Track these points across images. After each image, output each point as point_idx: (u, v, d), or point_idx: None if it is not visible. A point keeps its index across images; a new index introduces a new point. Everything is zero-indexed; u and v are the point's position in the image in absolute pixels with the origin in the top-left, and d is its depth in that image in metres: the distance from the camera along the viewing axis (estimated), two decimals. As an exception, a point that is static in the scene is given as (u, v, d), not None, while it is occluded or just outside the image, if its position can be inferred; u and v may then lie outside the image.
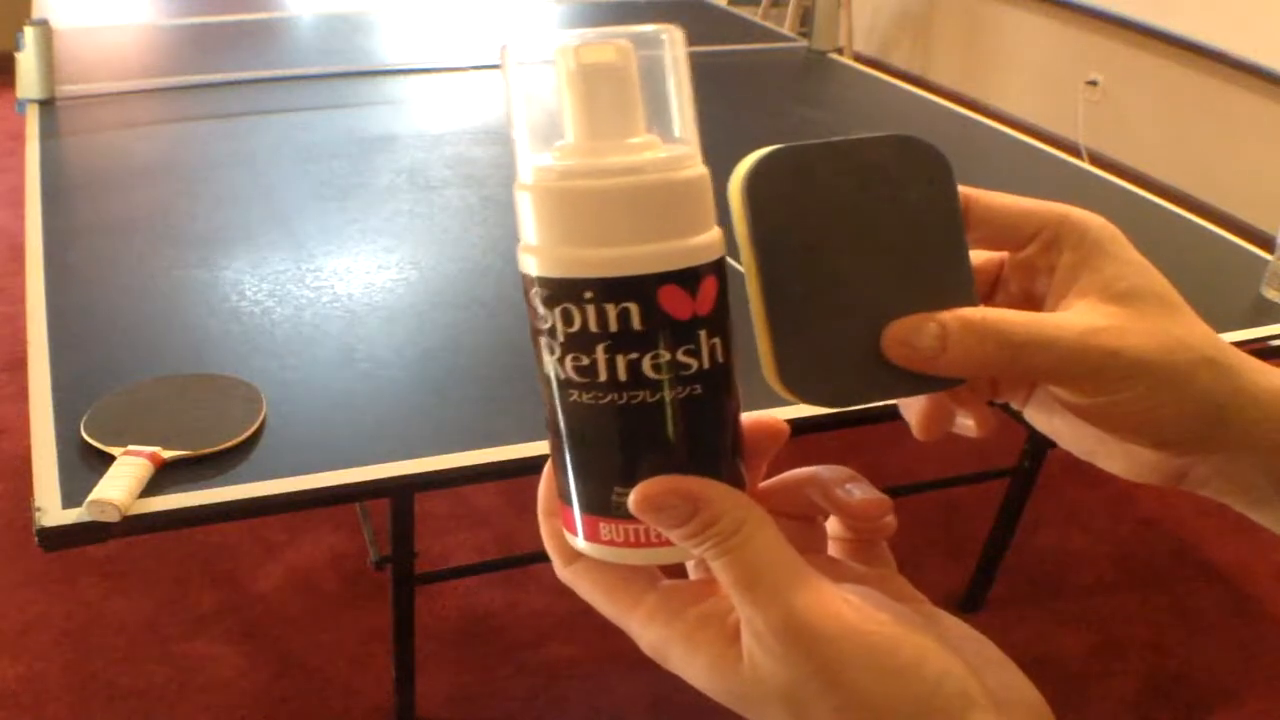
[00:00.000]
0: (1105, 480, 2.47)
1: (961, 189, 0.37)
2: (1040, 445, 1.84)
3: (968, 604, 2.06)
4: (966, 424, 0.40)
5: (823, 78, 2.56)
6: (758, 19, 3.25)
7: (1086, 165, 2.11)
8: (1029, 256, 0.38)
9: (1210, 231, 1.75)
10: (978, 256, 0.39)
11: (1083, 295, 0.36)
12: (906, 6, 5.32)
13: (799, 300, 0.35)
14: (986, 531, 1.99)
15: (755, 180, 0.35)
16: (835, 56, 2.65)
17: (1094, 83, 4.30)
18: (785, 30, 3.52)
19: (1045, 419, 0.41)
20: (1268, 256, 1.54)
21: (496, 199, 1.69)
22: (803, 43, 2.71)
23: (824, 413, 1.19)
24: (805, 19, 4.07)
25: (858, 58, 5.01)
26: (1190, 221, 1.78)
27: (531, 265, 0.33)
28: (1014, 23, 4.73)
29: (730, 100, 2.27)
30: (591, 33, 0.33)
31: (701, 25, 2.85)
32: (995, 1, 4.78)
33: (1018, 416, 0.43)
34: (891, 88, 2.52)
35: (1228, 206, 3.68)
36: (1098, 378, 0.35)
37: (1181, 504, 2.40)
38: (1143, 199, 1.88)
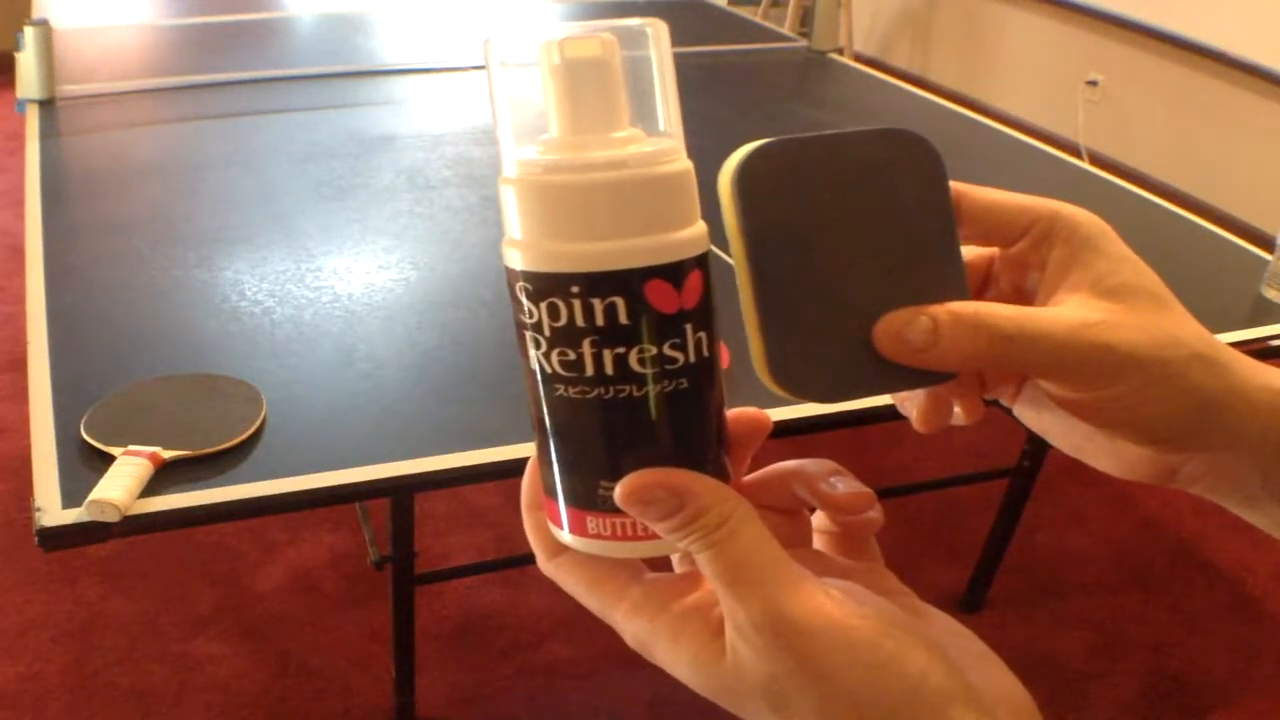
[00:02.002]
0: (1105, 480, 2.47)
1: (952, 184, 0.37)
2: (1040, 445, 1.84)
3: (968, 604, 2.06)
4: (955, 412, 0.40)
5: (823, 78, 2.56)
6: (758, 19, 3.25)
7: (1086, 165, 2.11)
8: (1020, 252, 0.38)
9: (1210, 231, 1.75)
10: (969, 252, 0.39)
11: (1074, 290, 0.36)
12: (906, 6, 5.31)
13: (790, 294, 0.35)
14: (986, 531, 1.99)
15: (745, 173, 0.35)
16: (835, 56, 2.65)
17: (1094, 83, 4.30)
18: (785, 30, 3.52)
19: (1035, 415, 0.41)
20: (1268, 256, 1.54)
21: (496, 199, 1.69)
22: (803, 43, 2.71)
23: (820, 411, 1.19)
24: (805, 19, 4.07)
25: (858, 58, 5.01)
26: (1190, 221, 1.78)
27: (516, 259, 0.33)
28: (1014, 23, 4.72)
29: (730, 100, 2.27)
30: (575, 26, 0.33)
31: (701, 25, 2.85)
32: (995, 1, 4.78)
33: (1012, 413, 0.43)
34: (891, 88, 2.52)
35: (1228, 206, 3.68)
36: (1089, 372, 0.35)
37: (1181, 504, 2.40)
38: (1143, 199, 1.88)
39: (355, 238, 1.54)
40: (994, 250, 0.39)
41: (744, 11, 3.37)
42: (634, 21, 0.33)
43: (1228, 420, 0.36)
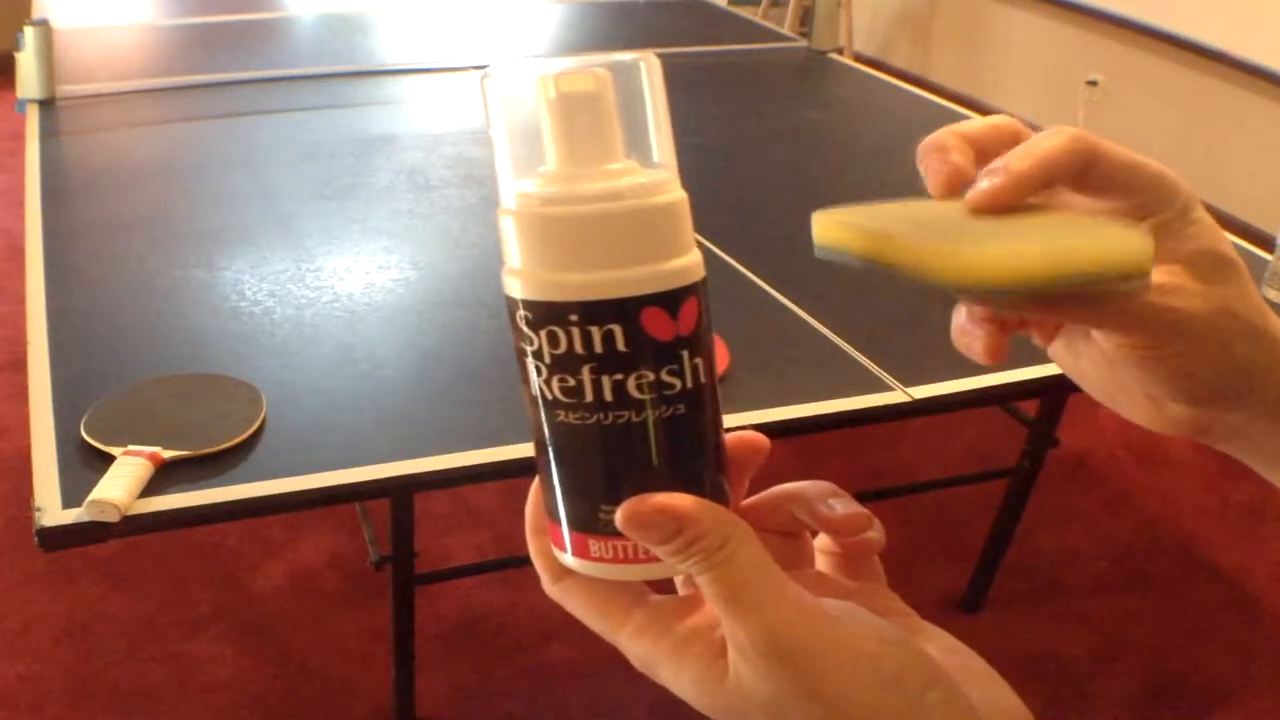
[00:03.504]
0: (1105, 480, 2.47)
1: (1090, 139, 0.38)
2: (1040, 445, 1.84)
3: (968, 604, 2.06)
4: (976, 348, 0.41)
5: (823, 78, 2.56)
6: (758, 19, 3.25)
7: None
8: (1125, 209, 0.39)
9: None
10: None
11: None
12: (906, 6, 5.32)
13: None
14: (986, 531, 1.99)
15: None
16: (835, 56, 2.65)
17: (1094, 83, 4.30)
18: (785, 30, 3.52)
19: (1072, 361, 0.43)
20: (1268, 256, 1.54)
21: (496, 199, 1.69)
22: (803, 43, 2.71)
23: (821, 411, 1.19)
24: (805, 19, 4.07)
25: (858, 58, 5.01)
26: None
27: (516, 288, 0.34)
28: (1014, 23, 4.72)
29: (730, 100, 2.27)
30: (570, 61, 0.34)
31: (701, 25, 2.85)
32: (995, 1, 4.78)
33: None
34: (891, 88, 2.52)
35: (1228, 206, 3.68)
36: (1143, 326, 0.37)
37: (1182, 504, 2.40)
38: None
39: (355, 238, 1.54)
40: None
41: (744, 11, 3.37)
42: (628, 56, 0.34)
43: (1266, 389, 0.38)
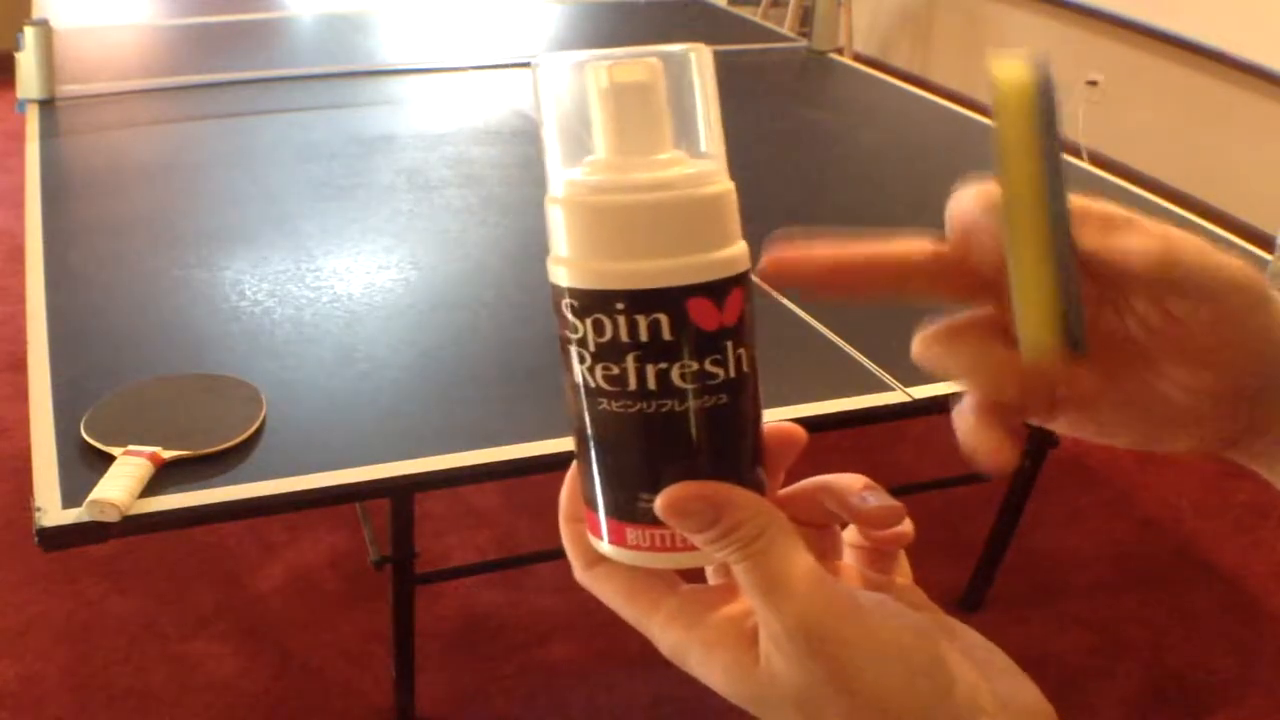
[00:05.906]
0: (1105, 480, 2.47)
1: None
2: (1040, 445, 1.84)
3: (968, 604, 2.06)
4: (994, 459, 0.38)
5: (823, 78, 2.56)
6: (758, 19, 3.25)
7: (1086, 165, 2.11)
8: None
9: (1210, 231, 1.75)
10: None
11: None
12: (906, 6, 5.32)
13: (1061, 236, 0.32)
14: (986, 531, 1.99)
15: (1046, 92, 0.32)
16: (835, 56, 2.65)
17: (1094, 83, 4.30)
18: (785, 30, 3.52)
19: (1094, 424, 0.39)
20: (1268, 256, 1.54)
21: (496, 199, 1.69)
22: (803, 43, 2.71)
23: (821, 411, 1.19)
24: (805, 19, 4.07)
25: (858, 58, 5.01)
26: (1190, 221, 1.78)
27: (563, 276, 0.34)
28: (1014, 23, 4.72)
29: (730, 100, 2.26)
30: (621, 52, 0.34)
31: (701, 25, 2.85)
32: (995, 1, 4.78)
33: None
34: (891, 88, 2.52)
35: (1228, 206, 3.68)
36: (1195, 283, 0.35)
37: (1182, 504, 2.40)
38: (1143, 199, 1.88)
39: (355, 238, 1.54)
40: None
41: (744, 11, 3.37)
42: (678, 47, 0.34)
43: None
